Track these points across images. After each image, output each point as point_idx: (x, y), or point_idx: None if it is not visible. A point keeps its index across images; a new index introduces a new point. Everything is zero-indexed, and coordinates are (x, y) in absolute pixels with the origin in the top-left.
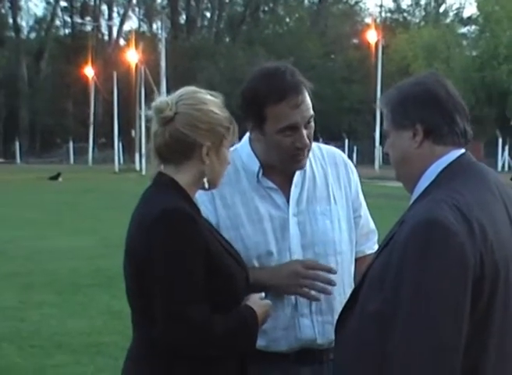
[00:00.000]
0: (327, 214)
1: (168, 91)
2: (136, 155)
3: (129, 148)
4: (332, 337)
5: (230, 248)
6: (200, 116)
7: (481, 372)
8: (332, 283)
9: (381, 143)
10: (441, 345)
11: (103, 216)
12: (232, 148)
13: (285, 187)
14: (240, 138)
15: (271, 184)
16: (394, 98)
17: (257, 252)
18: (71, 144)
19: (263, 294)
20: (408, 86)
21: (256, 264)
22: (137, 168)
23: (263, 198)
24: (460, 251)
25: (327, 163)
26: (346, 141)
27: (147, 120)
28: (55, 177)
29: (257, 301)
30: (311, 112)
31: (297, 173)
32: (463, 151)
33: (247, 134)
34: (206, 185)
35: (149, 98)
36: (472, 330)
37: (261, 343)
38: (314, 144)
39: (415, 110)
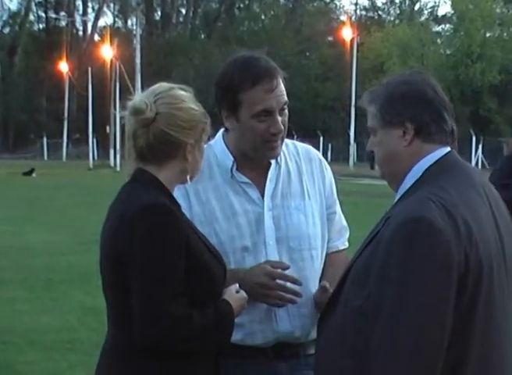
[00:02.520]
0: (301, 209)
1: (143, 87)
2: (111, 151)
3: (103, 143)
4: (309, 330)
5: (209, 244)
6: (182, 115)
7: (463, 368)
8: (298, 294)
9: (355, 140)
10: (424, 342)
11: (77, 212)
12: (205, 145)
13: (259, 182)
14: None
15: (245, 179)
16: (382, 95)
17: (233, 247)
18: (45, 140)
19: (237, 285)
20: (396, 84)
21: (231, 259)
22: (112, 164)
23: (237, 193)
24: (446, 248)
25: (301, 160)
26: (321, 138)
27: (122, 117)
28: (29, 173)
29: (233, 294)
30: (286, 98)
31: (272, 168)
32: (449, 149)
33: (221, 131)
34: (189, 181)
35: (124, 93)
36: (455, 326)
37: (236, 337)
38: (289, 141)
39: (405, 108)
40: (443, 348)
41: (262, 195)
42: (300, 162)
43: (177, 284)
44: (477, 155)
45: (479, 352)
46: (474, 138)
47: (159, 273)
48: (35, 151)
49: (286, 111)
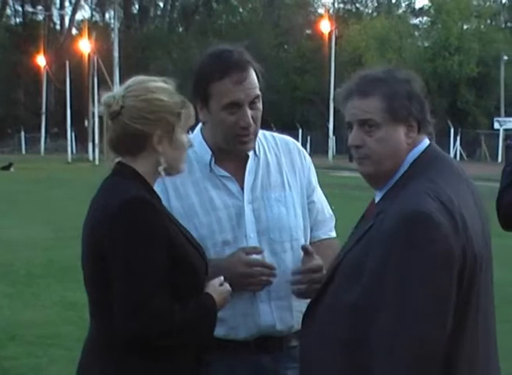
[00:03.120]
0: (282, 200)
1: (121, 81)
2: (90, 145)
3: (81, 137)
4: (291, 322)
5: (190, 236)
6: (146, 107)
7: (457, 359)
8: (273, 274)
9: (334, 133)
10: (426, 336)
11: (56, 206)
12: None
13: (239, 175)
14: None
15: (224, 173)
16: (390, 90)
17: (213, 241)
18: (22, 134)
19: (222, 278)
20: (401, 81)
21: (212, 253)
22: (90, 158)
23: (217, 187)
24: (446, 242)
25: (280, 151)
26: (300, 131)
27: (100, 111)
28: (7, 167)
29: (216, 287)
30: (257, 92)
31: (250, 160)
32: (428, 141)
33: (199, 124)
34: (162, 173)
35: (102, 87)
36: (452, 320)
37: (219, 332)
38: (268, 133)
39: (412, 106)
40: (443, 342)
41: (242, 188)
42: (280, 153)
43: (158, 278)
44: (455, 147)
45: (468, 348)
46: (452, 130)
47: (139, 268)
48: (13, 145)
49: (259, 105)
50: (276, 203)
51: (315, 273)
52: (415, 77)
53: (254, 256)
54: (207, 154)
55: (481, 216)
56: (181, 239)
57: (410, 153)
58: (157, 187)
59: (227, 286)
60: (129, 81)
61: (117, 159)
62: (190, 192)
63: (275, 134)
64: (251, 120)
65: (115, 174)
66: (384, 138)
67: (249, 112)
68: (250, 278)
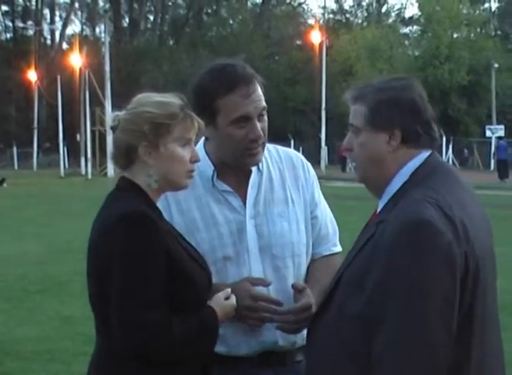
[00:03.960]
0: (284, 216)
1: (113, 95)
2: (82, 159)
3: (74, 152)
4: (294, 338)
5: (193, 251)
6: (132, 118)
7: (466, 366)
8: (277, 312)
9: (326, 143)
10: (431, 344)
11: (50, 220)
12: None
13: (241, 190)
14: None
15: (226, 187)
16: (373, 96)
17: (214, 257)
18: (15, 150)
19: (229, 291)
20: (390, 90)
21: (213, 269)
22: (83, 172)
23: (219, 202)
24: (448, 250)
25: (284, 165)
26: (292, 141)
27: (93, 125)
28: (0, 183)
29: (220, 301)
30: (264, 103)
31: (253, 175)
32: (431, 150)
33: (202, 139)
34: (153, 185)
35: (93, 101)
36: (457, 327)
37: (221, 349)
38: (271, 147)
39: (398, 116)
40: (449, 350)
41: (244, 203)
42: (283, 168)
43: (155, 294)
44: (447, 156)
45: (478, 353)
46: (444, 138)
47: (136, 281)
48: (5, 160)
49: (266, 117)
50: (279, 219)
51: (303, 313)
52: (414, 87)
53: (261, 288)
54: (209, 169)
55: (485, 225)
56: (182, 254)
57: (408, 163)
58: (159, 203)
59: (233, 299)
60: (134, 98)
61: (121, 174)
62: (192, 207)
63: (279, 148)
64: (261, 132)
65: (117, 189)
66: (363, 143)
67: (258, 125)
68: (253, 312)
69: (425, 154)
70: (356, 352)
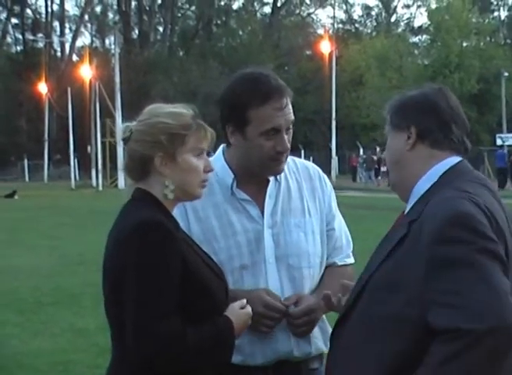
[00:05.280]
0: (301, 226)
1: (123, 106)
2: (93, 171)
3: (84, 163)
4: (308, 350)
5: (210, 260)
6: (146, 129)
7: None
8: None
9: (337, 153)
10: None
11: (61, 233)
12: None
13: (259, 199)
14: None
15: (245, 196)
16: (396, 102)
17: (231, 266)
18: (26, 162)
19: (244, 301)
20: (412, 94)
21: (230, 278)
22: (94, 184)
23: (237, 211)
24: (492, 239)
25: (301, 176)
26: (303, 151)
27: (103, 136)
28: (11, 195)
29: (235, 310)
30: (293, 116)
31: (271, 184)
32: (461, 158)
33: (221, 147)
34: (170, 196)
35: (104, 113)
36: None
37: (236, 359)
38: (289, 158)
39: (412, 114)
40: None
41: (262, 212)
42: (300, 179)
43: (169, 304)
44: None
45: None
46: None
47: (149, 293)
48: (16, 173)
49: (291, 130)
50: (296, 229)
51: (304, 317)
52: (442, 92)
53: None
54: (229, 177)
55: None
56: (198, 263)
57: (435, 165)
58: (176, 210)
59: (248, 309)
60: (145, 109)
61: (135, 185)
62: (210, 215)
63: (296, 159)
64: (288, 145)
65: (133, 199)
66: (388, 147)
67: (286, 137)
68: (266, 320)
69: (455, 159)
70: (382, 353)
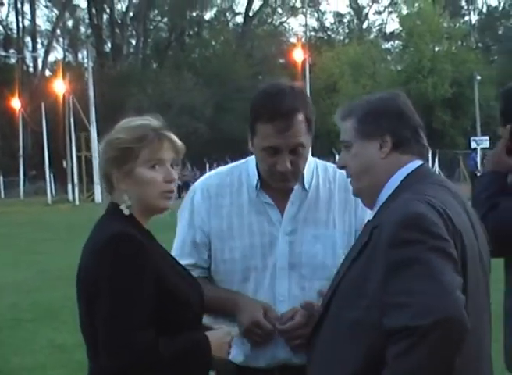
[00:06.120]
0: (320, 238)
1: (98, 120)
2: (69, 186)
3: (60, 178)
4: None
5: (184, 271)
6: (103, 147)
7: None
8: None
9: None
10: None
11: (39, 248)
12: (243, 160)
13: (282, 204)
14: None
15: (268, 200)
16: (361, 109)
17: (242, 266)
18: (1, 179)
19: (234, 332)
20: (376, 100)
21: (238, 278)
22: (70, 198)
23: (259, 213)
24: (446, 239)
25: (336, 187)
26: None
27: (79, 151)
28: None
29: (215, 332)
30: (300, 140)
31: (295, 192)
32: (422, 162)
33: None
34: (125, 211)
35: (78, 127)
36: None
37: (239, 358)
38: (330, 167)
39: (386, 122)
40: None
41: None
42: (335, 189)
43: (141, 316)
44: (434, 168)
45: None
46: (430, 152)
47: (122, 302)
48: None
49: (301, 151)
50: (314, 239)
51: (297, 331)
52: (399, 96)
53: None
54: (255, 179)
55: (476, 232)
56: (171, 275)
57: (399, 171)
58: (202, 205)
59: (226, 328)
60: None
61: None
62: (232, 213)
63: (338, 170)
64: (289, 166)
65: (106, 213)
66: (356, 154)
67: (287, 158)
68: (252, 335)
69: (416, 163)
70: (349, 357)
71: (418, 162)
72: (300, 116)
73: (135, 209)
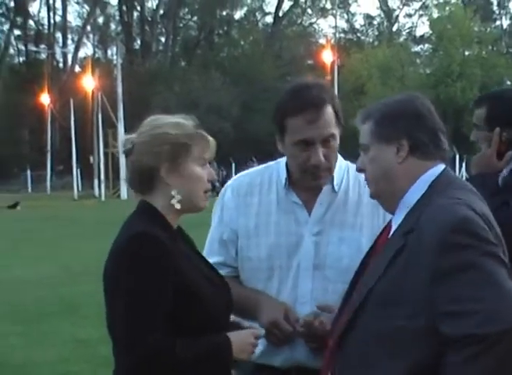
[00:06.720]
0: (346, 240)
1: (125, 117)
2: (95, 181)
3: (87, 174)
4: None
5: (210, 272)
6: (151, 140)
7: None
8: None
9: None
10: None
11: (63, 243)
12: (275, 161)
13: (310, 204)
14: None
15: (296, 199)
16: (379, 112)
17: (267, 265)
18: (28, 173)
19: (262, 333)
20: (394, 103)
21: (265, 275)
22: (96, 194)
23: (287, 212)
24: (493, 243)
25: (366, 191)
26: None
27: (106, 147)
28: (14, 206)
29: (239, 333)
30: (331, 131)
31: (324, 192)
32: (444, 166)
33: None
34: (177, 206)
35: (106, 123)
36: None
37: (254, 355)
38: None
39: (403, 125)
40: None
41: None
42: (364, 193)
43: (158, 313)
44: (461, 173)
45: None
46: (457, 157)
47: (139, 301)
48: (19, 184)
49: (333, 143)
50: (340, 242)
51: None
52: (419, 99)
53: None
54: (284, 177)
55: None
56: (195, 276)
57: (421, 176)
58: (231, 203)
59: (252, 330)
60: (145, 120)
61: (139, 197)
62: (261, 212)
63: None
64: (322, 158)
65: (135, 212)
66: (373, 158)
67: (320, 151)
68: (270, 336)
69: (439, 168)
70: (397, 369)
71: (442, 167)
72: (329, 108)
73: (178, 207)
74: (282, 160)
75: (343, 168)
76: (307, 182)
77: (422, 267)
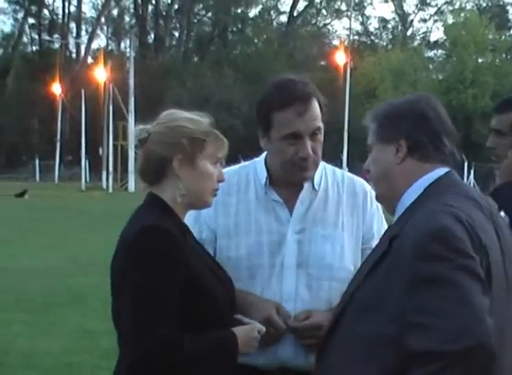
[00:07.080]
0: (329, 238)
1: (136, 110)
2: (103, 173)
3: (95, 165)
4: (310, 359)
5: (217, 268)
6: (167, 132)
7: None
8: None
9: (348, 165)
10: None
11: (71, 234)
12: (250, 161)
13: (291, 203)
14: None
15: (277, 197)
16: (382, 112)
17: (248, 263)
18: (37, 162)
19: (263, 329)
20: (400, 103)
21: (246, 275)
22: (104, 186)
23: (267, 211)
24: (470, 257)
25: (344, 191)
26: None
27: (115, 139)
28: (22, 194)
29: (243, 328)
30: (318, 124)
31: (305, 190)
32: (448, 169)
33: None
34: (179, 200)
35: (117, 116)
36: None
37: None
38: (339, 171)
39: (402, 126)
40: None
41: (291, 216)
42: (343, 192)
43: (166, 307)
44: (469, 180)
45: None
46: (466, 164)
47: (147, 295)
48: (27, 172)
49: (320, 137)
50: (322, 239)
51: (319, 329)
52: (427, 99)
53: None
54: (263, 177)
55: (503, 248)
56: (203, 271)
57: (420, 179)
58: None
59: (255, 324)
60: (161, 114)
61: (148, 189)
62: (240, 211)
63: (346, 173)
64: (311, 151)
65: (143, 205)
66: (374, 159)
67: (309, 144)
68: (271, 327)
69: (441, 171)
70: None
71: (444, 170)
72: (315, 101)
73: (180, 200)
74: (259, 159)
75: (320, 168)
76: (294, 176)
77: (401, 273)
